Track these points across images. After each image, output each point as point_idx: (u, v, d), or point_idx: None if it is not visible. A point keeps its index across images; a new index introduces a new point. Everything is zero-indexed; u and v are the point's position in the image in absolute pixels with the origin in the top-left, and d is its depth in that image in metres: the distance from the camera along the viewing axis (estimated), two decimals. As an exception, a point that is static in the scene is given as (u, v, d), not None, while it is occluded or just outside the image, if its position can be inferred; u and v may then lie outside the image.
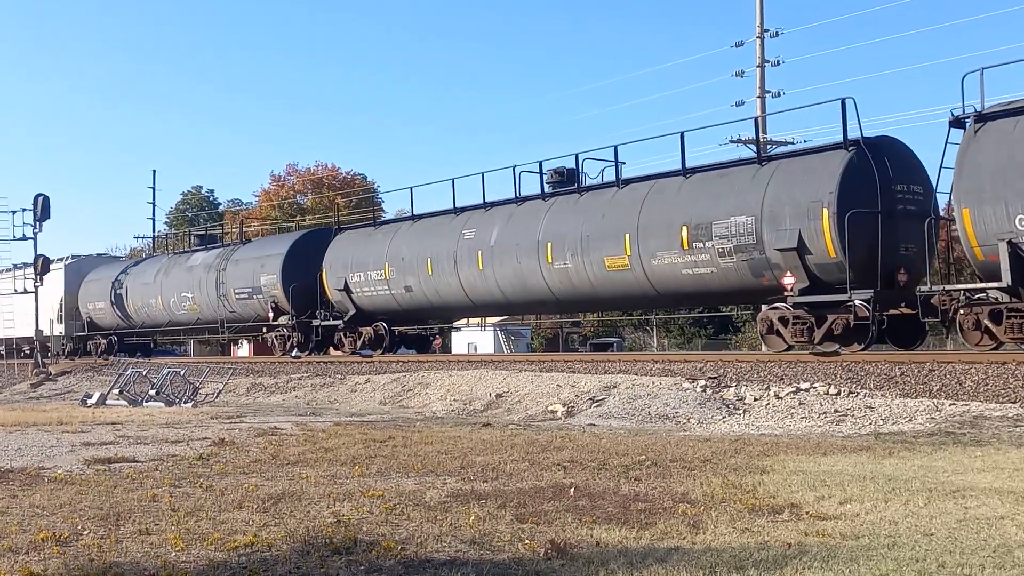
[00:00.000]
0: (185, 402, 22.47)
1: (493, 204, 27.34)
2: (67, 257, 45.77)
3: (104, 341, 43.47)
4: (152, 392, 23.19)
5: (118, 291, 41.90)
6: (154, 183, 72.77)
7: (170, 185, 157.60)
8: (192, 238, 42.17)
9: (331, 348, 33.73)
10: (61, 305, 44.17)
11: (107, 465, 10.98)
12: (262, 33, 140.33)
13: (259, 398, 25.50)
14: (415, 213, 30.15)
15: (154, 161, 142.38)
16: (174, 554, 6.39)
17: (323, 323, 32.16)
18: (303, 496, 8.56)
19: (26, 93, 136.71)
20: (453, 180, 28.33)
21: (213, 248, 38.16)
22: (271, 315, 32.88)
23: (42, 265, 39.44)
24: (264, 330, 34.66)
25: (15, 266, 44.11)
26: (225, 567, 6.04)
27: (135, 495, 8.74)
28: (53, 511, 8.01)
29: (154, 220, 73.35)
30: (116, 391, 23.69)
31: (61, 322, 44.57)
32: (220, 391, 24.67)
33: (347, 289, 30.84)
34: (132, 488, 9.18)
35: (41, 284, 40.02)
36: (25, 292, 40.90)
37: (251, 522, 7.42)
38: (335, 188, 72.13)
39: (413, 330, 32.52)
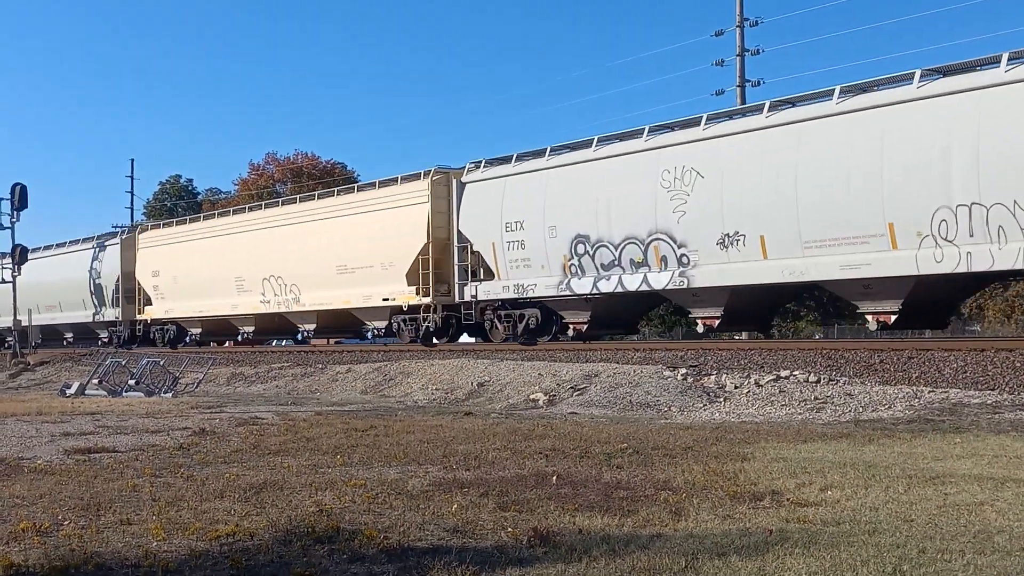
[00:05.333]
0: (165, 392, 22.36)
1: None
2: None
3: None
4: (132, 382, 23.07)
5: None
6: (132, 172, 72.47)
7: (148, 174, 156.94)
8: None
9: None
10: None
11: (87, 455, 10.93)
12: (240, 21, 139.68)
13: (239, 388, 25.42)
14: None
15: (132, 150, 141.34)
16: (155, 544, 6.36)
17: None
18: (285, 485, 8.53)
19: (1, 81, 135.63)
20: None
21: None
22: None
23: (20, 255, 39.17)
24: None
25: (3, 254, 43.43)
26: (207, 556, 6.01)
27: (115, 485, 8.70)
28: (33, 501, 7.96)
29: (132, 209, 72.99)
30: (95, 381, 23.58)
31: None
32: (200, 381, 24.57)
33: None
34: (112, 478, 9.14)
35: (19, 274, 39.71)
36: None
37: (233, 512, 7.39)
38: (315, 177, 71.88)
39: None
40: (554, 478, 8.66)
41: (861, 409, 14.40)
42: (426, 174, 27.09)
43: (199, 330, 36.69)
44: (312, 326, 31.67)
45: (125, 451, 11.34)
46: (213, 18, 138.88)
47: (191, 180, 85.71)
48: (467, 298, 25.69)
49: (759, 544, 6.04)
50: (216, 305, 34.53)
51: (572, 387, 18.14)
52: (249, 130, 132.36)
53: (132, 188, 72.32)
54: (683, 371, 18.01)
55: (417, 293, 26.60)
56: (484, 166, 25.66)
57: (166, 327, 38.00)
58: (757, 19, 43.62)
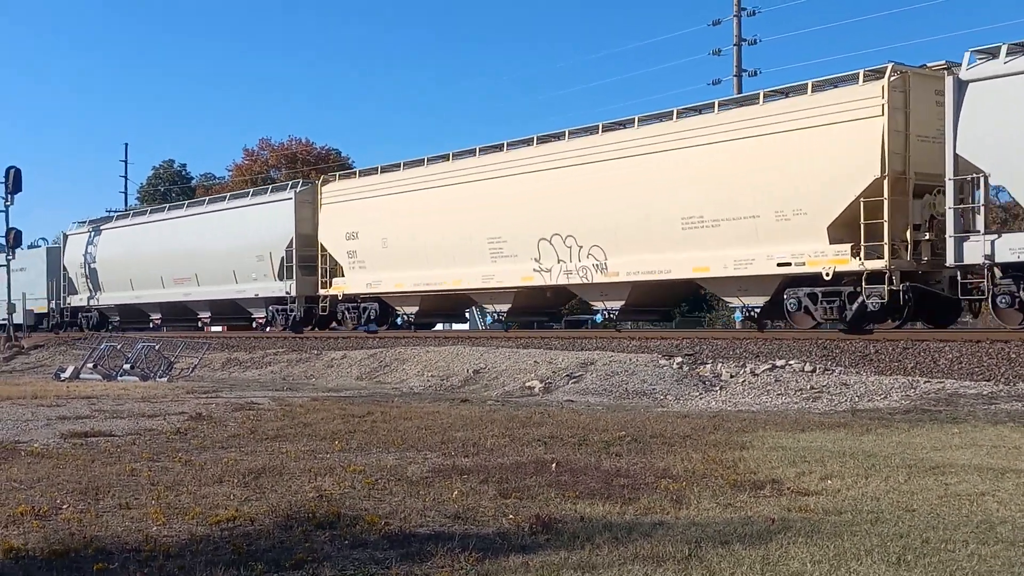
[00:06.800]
0: (160, 376, 22.34)
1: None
2: None
3: None
4: (126, 366, 23.05)
5: None
6: (126, 157, 72.84)
7: (142, 159, 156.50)
8: None
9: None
10: None
11: (84, 439, 10.90)
12: (233, 5, 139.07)
13: (235, 373, 25.39)
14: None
15: (126, 135, 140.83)
16: (155, 528, 6.33)
17: None
18: (284, 471, 8.51)
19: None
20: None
21: None
22: None
23: (15, 238, 39.06)
24: None
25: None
26: (208, 541, 5.99)
27: (113, 469, 8.68)
28: (31, 485, 7.93)
29: (126, 194, 73.00)
30: (90, 365, 23.54)
31: None
32: (195, 366, 24.54)
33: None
34: (110, 462, 9.12)
35: (13, 257, 39.59)
36: None
37: (232, 496, 7.37)
38: (309, 163, 71.68)
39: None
40: (553, 465, 8.65)
41: (857, 399, 14.41)
42: (870, 74, 18.11)
43: (415, 309, 28.16)
44: (619, 303, 23.07)
45: (122, 435, 11.31)
46: (206, 1, 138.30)
47: (184, 165, 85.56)
48: (970, 260, 16.36)
49: (762, 532, 6.03)
50: (454, 276, 26.11)
51: (568, 375, 18.14)
52: (243, 115, 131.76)
53: (126, 172, 72.38)
54: (679, 360, 18.01)
55: (853, 254, 18.02)
56: (1008, 53, 15.85)
57: (364, 305, 29.59)
58: (755, 9, 43.60)
